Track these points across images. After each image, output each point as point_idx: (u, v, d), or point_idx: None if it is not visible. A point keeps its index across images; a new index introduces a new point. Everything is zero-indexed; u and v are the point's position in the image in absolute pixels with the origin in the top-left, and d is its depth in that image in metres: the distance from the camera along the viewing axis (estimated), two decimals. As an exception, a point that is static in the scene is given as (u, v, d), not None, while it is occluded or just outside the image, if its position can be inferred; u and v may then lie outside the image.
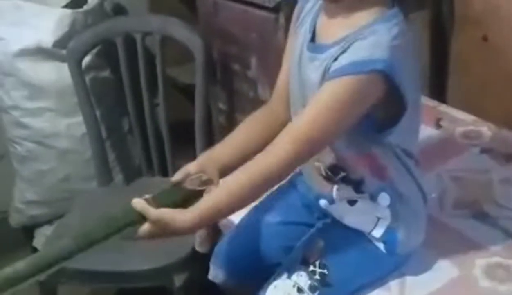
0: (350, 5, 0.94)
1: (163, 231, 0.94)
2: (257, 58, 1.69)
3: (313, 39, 1.01)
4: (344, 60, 0.91)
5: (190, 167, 1.06)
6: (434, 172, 1.32)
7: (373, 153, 1.00)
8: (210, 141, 1.73)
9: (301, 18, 1.06)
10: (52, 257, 0.91)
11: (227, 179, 1.00)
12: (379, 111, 0.94)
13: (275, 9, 1.55)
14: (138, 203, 0.95)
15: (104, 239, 0.94)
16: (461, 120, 1.52)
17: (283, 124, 1.01)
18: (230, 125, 1.89)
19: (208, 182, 1.04)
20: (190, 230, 1.00)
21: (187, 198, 1.01)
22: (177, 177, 1.05)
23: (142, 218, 0.95)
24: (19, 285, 0.88)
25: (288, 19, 1.53)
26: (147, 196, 0.97)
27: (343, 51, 0.91)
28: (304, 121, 0.94)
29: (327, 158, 1.02)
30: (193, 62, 1.73)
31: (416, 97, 1.00)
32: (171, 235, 0.96)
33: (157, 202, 0.97)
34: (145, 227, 0.94)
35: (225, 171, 1.04)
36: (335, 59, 0.92)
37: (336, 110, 0.91)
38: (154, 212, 0.93)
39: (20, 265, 0.89)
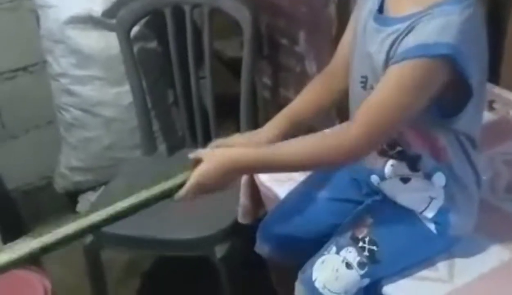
0: None
1: (218, 164, 0.97)
2: (306, 32, 1.66)
3: (381, 10, 0.99)
4: (411, 41, 0.89)
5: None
6: (486, 155, 1.29)
7: (434, 134, 0.98)
8: (254, 116, 1.72)
9: None
10: (104, 215, 0.93)
11: (289, 148, 1.00)
12: (445, 97, 0.92)
13: (328, -18, 1.53)
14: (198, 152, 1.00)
15: (156, 198, 0.95)
16: (515, 103, 1.48)
17: (346, 90, 1.01)
18: (275, 100, 1.88)
19: None
20: (247, 166, 1.01)
21: None
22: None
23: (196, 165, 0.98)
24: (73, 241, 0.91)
25: (340, -6, 1.53)
26: None
27: (411, 30, 0.89)
28: (371, 107, 0.92)
29: None
30: (240, 36, 1.72)
31: (483, 83, 0.97)
32: (225, 172, 0.98)
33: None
34: (200, 166, 0.98)
35: (294, 134, 1.06)
36: (402, 38, 0.90)
37: (402, 95, 0.89)
38: (208, 150, 1.01)
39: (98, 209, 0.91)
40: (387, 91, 0.91)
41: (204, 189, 0.99)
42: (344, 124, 0.95)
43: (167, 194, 1.00)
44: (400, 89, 0.89)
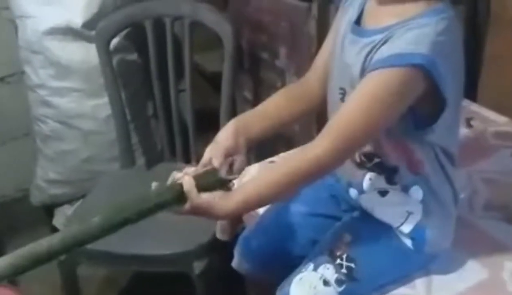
0: None
1: (202, 214, 0.95)
2: (287, 47, 1.67)
3: (359, 22, 0.99)
4: (385, 51, 0.89)
5: (224, 138, 1.04)
6: (464, 172, 1.30)
7: (411, 147, 0.98)
8: (234, 130, 1.71)
9: None
10: (84, 233, 0.90)
11: (265, 172, 1.00)
12: (419, 108, 0.92)
13: (308, -1, 1.54)
14: (188, 183, 0.94)
15: (139, 215, 0.93)
16: (493, 120, 1.50)
17: (317, 102, 1.01)
18: (255, 114, 1.88)
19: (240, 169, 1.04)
20: (226, 217, 1.07)
21: (223, 182, 1.01)
22: (212, 152, 1.02)
23: (183, 198, 0.94)
24: (50, 260, 0.88)
25: (321, 9, 1.54)
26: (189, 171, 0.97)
27: (386, 41, 0.90)
28: (343, 117, 0.92)
29: None
30: (220, 50, 1.72)
31: (458, 97, 0.97)
32: (207, 217, 0.97)
33: (197, 181, 0.96)
34: (186, 208, 0.95)
35: (253, 140, 1.05)
36: (377, 49, 0.90)
37: (377, 104, 0.89)
38: (197, 198, 0.93)
39: (55, 240, 0.88)
40: (358, 101, 0.90)
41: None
42: (316, 137, 0.94)
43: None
44: (373, 98, 0.89)
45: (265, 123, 1.08)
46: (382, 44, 0.90)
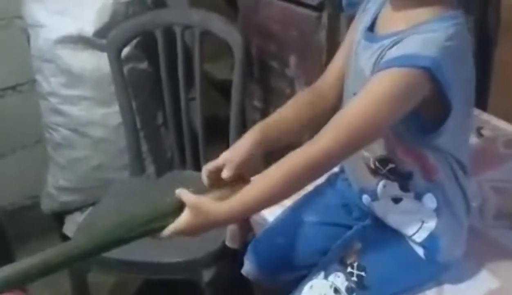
0: (416, 1, 0.93)
1: (199, 218, 0.95)
2: (296, 56, 1.67)
3: (372, 28, 1.00)
4: (394, 52, 0.90)
5: (242, 149, 1.05)
6: (474, 181, 1.29)
7: (423, 152, 0.98)
8: (243, 138, 1.72)
9: (368, 6, 1.04)
10: (84, 248, 0.92)
11: (263, 172, 0.98)
12: (425, 112, 0.92)
13: (318, 8, 1.54)
14: (179, 189, 0.96)
15: (140, 229, 0.95)
16: (503, 129, 1.50)
17: (332, 108, 1.00)
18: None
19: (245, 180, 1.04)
20: (225, 222, 1.03)
21: (225, 194, 1.01)
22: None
23: (180, 208, 0.96)
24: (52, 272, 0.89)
25: (331, 18, 1.55)
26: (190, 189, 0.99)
27: (396, 43, 0.90)
28: (348, 113, 0.92)
29: (378, 148, 1.00)
30: (230, 58, 1.73)
31: (467, 104, 0.97)
32: (206, 225, 0.96)
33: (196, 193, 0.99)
34: (183, 215, 0.96)
35: (271, 147, 1.05)
36: (387, 51, 0.91)
37: (381, 102, 0.89)
38: (192, 198, 0.96)
39: (52, 253, 0.90)
40: (364, 98, 0.91)
41: (188, 234, 0.98)
42: (321, 131, 0.93)
43: (149, 233, 0.99)
44: (378, 96, 0.89)
45: (285, 129, 1.09)
46: (392, 47, 0.91)
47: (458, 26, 0.90)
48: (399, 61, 0.88)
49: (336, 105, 1.10)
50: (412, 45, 0.88)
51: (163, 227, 0.97)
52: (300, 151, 0.93)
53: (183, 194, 0.97)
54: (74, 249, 0.94)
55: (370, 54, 0.95)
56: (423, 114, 0.93)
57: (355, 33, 1.04)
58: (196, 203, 0.95)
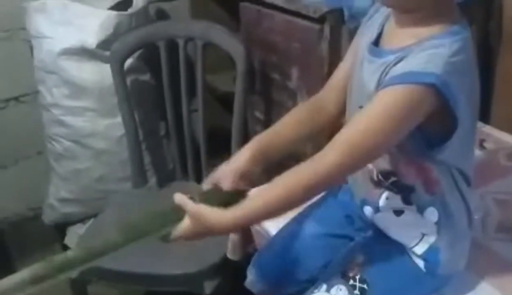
0: (420, 16, 0.92)
1: (200, 226, 0.96)
2: (298, 69, 1.68)
3: (377, 42, 1.00)
4: (399, 69, 0.89)
5: (238, 164, 1.05)
6: (476, 193, 1.29)
7: (427, 166, 0.98)
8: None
9: (373, 19, 1.04)
10: (98, 247, 0.92)
11: (266, 185, 0.99)
12: (431, 127, 0.92)
13: (320, 20, 1.54)
14: (178, 196, 0.97)
15: (146, 234, 0.95)
16: (506, 142, 1.49)
17: (333, 122, 0.99)
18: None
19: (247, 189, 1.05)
20: (226, 230, 1.03)
21: (229, 201, 1.01)
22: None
23: (182, 215, 0.96)
24: (64, 274, 0.89)
25: (333, 31, 1.55)
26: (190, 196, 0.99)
27: (400, 60, 0.90)
28: (352, 131, 0.92)
29: (381, 161, 1.00)
30: (232, 70, 1.73)
31: (473, 117, 0.97)
32: (207, 232, 0.97)
33: (200, 200, 0.99)
34: (184, 222, 0.96)
35: (271, 159, 1.06)
36: (392, 67, 0.91)
37: (385, 120, 0.89)
38: (193, 205, 0.96)
39: (71, 254, 0.90)
40: (369, 116, 0.91)
41: (191, 238, 0.99)
42: (324, 148, 0.92)
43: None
44: (383, 113, 0.89)
45: (283, 143, 1.09)
46: (396, 63, 0.91)
47: (463, 41, 0.90)
48: (403, 79, 0.88)
49: (337, 117, 1.10)
50: (417, 62, 0.88)
51: (162, 234, 0.97)
52: (305, 167, 0.93)
53: (180, 198, 0.97)
54: (67, 258, 0.93)
55: (374, 69, 0.95)
56: (429, 129, 0.93)
57: (359, 45, 1.04)
58: (196, 210, 0.96)
